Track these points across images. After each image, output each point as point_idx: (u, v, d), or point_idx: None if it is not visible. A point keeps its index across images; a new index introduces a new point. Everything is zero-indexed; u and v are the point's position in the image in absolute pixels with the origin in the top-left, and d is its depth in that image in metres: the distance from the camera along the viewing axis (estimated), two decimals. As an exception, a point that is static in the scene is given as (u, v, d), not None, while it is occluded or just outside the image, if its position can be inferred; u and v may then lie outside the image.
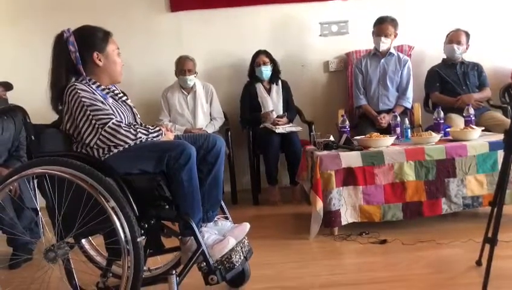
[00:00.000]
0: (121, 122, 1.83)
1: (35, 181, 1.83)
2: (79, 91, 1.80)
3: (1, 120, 2.83)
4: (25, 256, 2.46)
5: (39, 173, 1.74)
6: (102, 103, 1.83)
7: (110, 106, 1.87)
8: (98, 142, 1.79)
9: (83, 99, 1.79)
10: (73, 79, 1.89)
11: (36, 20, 4.07)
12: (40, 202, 1.95)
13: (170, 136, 1.97)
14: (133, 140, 1.80)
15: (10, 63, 4.07)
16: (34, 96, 3.67)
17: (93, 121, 1.78)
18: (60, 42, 1.87)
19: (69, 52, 1.85)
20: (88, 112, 1.78)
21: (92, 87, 1.87)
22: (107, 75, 1.94)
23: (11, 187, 1.84)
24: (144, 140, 1.83)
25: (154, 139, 1.86)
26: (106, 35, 1.95)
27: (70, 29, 1.88)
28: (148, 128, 1.87)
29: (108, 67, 1.94)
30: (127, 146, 1.80)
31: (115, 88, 2.02)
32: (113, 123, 1.78)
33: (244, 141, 3.90)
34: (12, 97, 2.94)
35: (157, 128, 1.90)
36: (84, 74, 1.89)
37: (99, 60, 1.91)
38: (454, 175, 2.71)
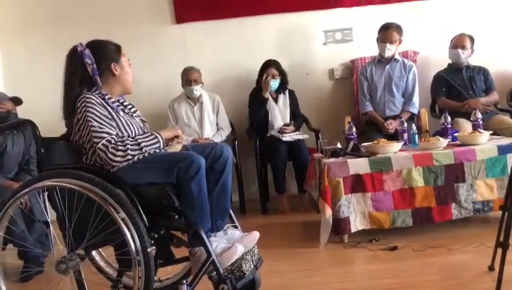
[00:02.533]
0: (111, 141, 1.78)
1: (46, 194, 1.85)
2: (88, 104, 1.82)
3: (11, 134, 2.87)
4: (36, 269, 2.47)
5: (49, 185, 1.76)
6: (108, 117, 1.84)
7: (121, 119, 1.89)
8: (98, 159, 1.82)
9: (89, 113, 1.80)
10: (93, 89, 1.90)
11: (45, 34, 4.13)
12: (50, 215, 1.98)
13: (178, 147, 1.99)
14: (119, 162, 1.78)
15: (20, 76, 4.13)
16: (43, 109, 3.75)
17: (90, 134, 1.80)
18: (75, 56, 1.89)
19: (85, 65, 1.88)
20: (89, 127, 1.80)
21: (104, 99, 1.89)
22: (121, 85, 1.98)
23: (22, 200, 1.86)
24: (137, 157, 1.80)
25: (155, 148, 1.85)
26: (118, 47, 2.00)
27: (83, 43, 1.91)
28: (141, 141, 1.83)
29: (123, 77, 1.98)
30: (120, 165, 1.79)
31: (123, 100, 2.04)
32: (102, 144, 1.77)
33: (251, 150, 3.91)
34: (22, 110, 2.98)
35: (153, 136, 1.86)
36: (101, 84, 1.90)
37: (116, 70, 1.94)
38: (464, 180, 2.70)
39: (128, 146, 1.79)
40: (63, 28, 4.07)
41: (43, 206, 2.19)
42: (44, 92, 4.08)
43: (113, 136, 1.80)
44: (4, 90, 3.71)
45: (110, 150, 1.77)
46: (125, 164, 1.79)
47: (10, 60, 4.18)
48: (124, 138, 1.82)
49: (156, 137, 1.87)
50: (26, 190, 1.78)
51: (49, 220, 2.26)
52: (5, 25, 4.16)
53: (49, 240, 2.64)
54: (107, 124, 1.82)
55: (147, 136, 1.87)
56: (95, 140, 1.78)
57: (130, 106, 2.04)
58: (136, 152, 1.81)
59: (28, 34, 4.16)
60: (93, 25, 3.90)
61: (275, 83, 3.87)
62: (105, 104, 1.87)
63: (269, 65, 3.88)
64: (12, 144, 2.86)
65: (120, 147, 1.78)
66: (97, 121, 1.80)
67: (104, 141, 1.78)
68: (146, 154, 1.84)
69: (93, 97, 1.85)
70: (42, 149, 1.86)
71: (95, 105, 1.84)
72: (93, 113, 1.81)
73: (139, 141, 1.83)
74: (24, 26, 4.18)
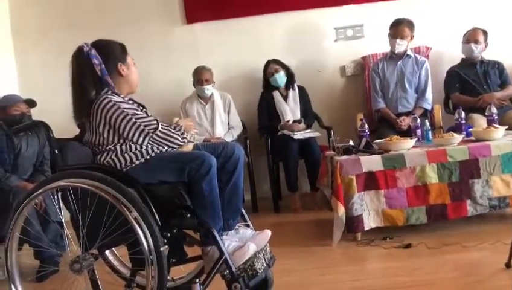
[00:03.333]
0: (167, 125, 1.90)
1: (60, 194, 1.87)
2: (117, 103, 1.84)
3: (26, 136, 2.91)
4: (51, 268, 2.50)
5: (63, 186, 1.77)
6: (138, 109, 1.90)
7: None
8: (110, 159, 1.85)
9: (125, 109, 1.83)
10: (105, 90, 1.88)
11: (57, 40, 4.17)
12: (64, 215, 2.00)
13: (189, 147, 1.99)
14: (181, 140, 1.89)
15: (34, 81, 4.18)
16: (55, 111, 3.79)
17: (142, 127, 1.83)
18: (81, 56, 1.88)
19: (93, 66, 1.87)
20: (133, 120, 1.83)
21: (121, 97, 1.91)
22: (128, 84, 1.98)
23: (37, 201, 1.88)
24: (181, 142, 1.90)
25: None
26: (123, 46, 2.00)
27: (88, 43, 1.91)
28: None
29: (130, 77, 1.99)
30: (177, 147, 1.89)
31: (134, 101, 2.05)
32: (162, 128, 1.86)
33: (262, 149, 3.90)
34: (36, 112, 3.02)
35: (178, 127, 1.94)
36: (113, 84, 1.91)
37: (123, 70, 1.95)
38: (479, 176, 2.66)
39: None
40: (74, 34, 4.05)
41: (57, 206, 2.21)
42: (56, 95, 4.11)
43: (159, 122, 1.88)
44: (19, 93, 3.77)
45: (171, 129, 1.88)
46: (181, 143, 1.90)
47: (25, 65, 4.24)
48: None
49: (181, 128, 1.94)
50: (40, 191, 1.80)
51: (63, 221, 2.28)
52: (21, 33, 4.23)
53: (63, 240, 2.67)
54: (144, 113, 1.89)
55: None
56: (151, 127, 1.84)
57: (141, 107, 2.05)
58: (181, 137, 1.90)
59: (41, 41, 4.22)
60: (103, 29, 3.86)
61: (280, 78, 3.85)
62: (126, 101, 1.89)
63: (268, 63, 3.89)
64: (27, 146, 2.90)
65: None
66: (139, 113, 1.86)
67: (162, 125, 1.86)
68: (153, 154, 1.85)
69: (116, 97, 1.86)
70: (56, 150, 1.88)
71: (123, 103, 1.86)
72: (128, 108, 1.85)
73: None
74: (38, 34, 4.24)
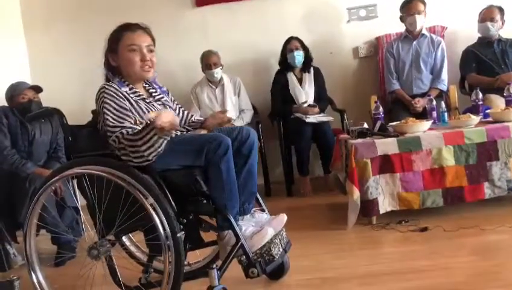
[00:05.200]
0: (123, 133, 1.71)
1: (75, 181, 1.87)
2: (106, 95, 1.80)
3: (39, 123, 2.92)
4: (69, 254, 2.53)
5: (79, 173, 1.78)
6: (126, 108, 1.80)
7: (143, 111, 1.86)
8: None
9: (105, 104, 1.78)
10: (114, 80, 1.89)
11: (67, 25, 4.18)
12: (80, 201, 2.01)
13: (203, 131, 1.97)
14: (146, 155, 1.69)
15: (45, 67, 4.18)
16: (67, 97, 3.81)
17: (107, 127, 1.75)
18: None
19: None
20: (104, 120, 1.77)
21: (124, 90, 1.86)
22: (127, 74, 1.90)
23: (53, 187, 1.89)
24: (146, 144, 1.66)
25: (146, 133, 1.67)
26: (118, 32, 1.90)
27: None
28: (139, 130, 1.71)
29: (123, 66, 1.89)
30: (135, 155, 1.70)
31: (150, 87, 2.02)
32: (116, 136, 1.71)
33: (275, 133, 3.87)
34: (47, 99, 3.02)
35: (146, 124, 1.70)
36: (113, 76, 1.90)
37: (114, 60, 1.90)
38: (497, 158, 2.61)
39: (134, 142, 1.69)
40: (84, 19, 4.11)
41: (72, 192, 2.22)
42: (68, 81, 4.15)
43: (128, 129, 1.73)
44: (31, 80, 3.78)
45: (117, 144, 1.72)
46: (138, 160, 1.70)
47: (36, 51, 4.24)
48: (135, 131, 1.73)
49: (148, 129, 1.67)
50: (56, 178, 1.81)
51: (79, 206, 2.30)
52: (31, 18, 4.22)
53: (79, 226, 2.70)
54: (123, 116, 1.77)
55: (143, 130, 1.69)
56: (108, 133, 1.75)
57: (158, 95, 2.00)
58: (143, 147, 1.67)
59: (51, 26, 4.21)
60: (113, 13, 3.86)
61: (298, 55, 3.79)
62: (124, 94, 1.84)
63: (291, 39, 3.82)
64: (40, 132, 2.91)
65: (126, 142, 1.69)
66: (113, 113, 1.77)
67: (113, 137, 1.72)
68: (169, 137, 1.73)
69: (111, 88, 1.83)
70: (70, 137, 1.88)
71: (113, 96, 1.80)
72: (110, 103, 1.78)
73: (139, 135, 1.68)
74: (48, 19, 4.22)
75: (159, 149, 1.69)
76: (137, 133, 1.68)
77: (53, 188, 1.89)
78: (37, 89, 2.95)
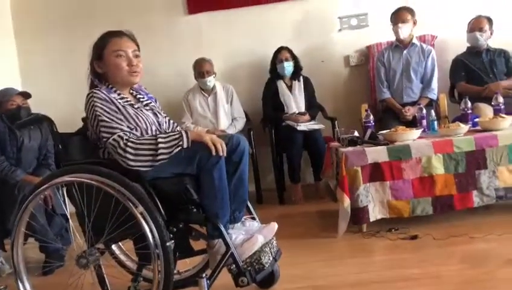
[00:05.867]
0: (123, 137, 1.73)
1: (65, 189, 1.86)
2: (96, 100, 1.80)
3: (28, 129, 2.89)
4: (57, 263, 2.51)
5: (69, 181, 1.77)
6: (117, 112, 1.80)
7: (129, 113, 1.85)
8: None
9: (96, 108, 1.78)
10: (102, 86, 1.89)
11: (61, 32, 4.18)
12: (69, 208, 1.99)
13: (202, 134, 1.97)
14: (130, 159, 1.70)
15: (36, 74, 4.17)
16: (56, 104, 3.79)
17: (101, 134, 1.76)
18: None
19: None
20: (97, 122, 1.77)
21: (112, 96, 1.85)
22: (114, 80, 1.90)
23: (42, 196, 1.87)
24: (150, 159, 1.70)
25: (175, 144, 1.72)
26: (103, 39, 1.89)
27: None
28: (162, 143, 1.72)
29: (110, 72, 1.88)
30: (130, 164, 1.71)
31: (137, 93, 2.02)
32: (113, 139, 1.72)
33: (266, 140, 3.88)
34: (36, 105, 3.01)
35: (177, 136, 1.74)
36: (100, 83, 1.90)
37: (99, 67, 1.90)
38: (485, 166, 2.63)
39: (139, 143, 1.72)
40: (75, 26, 4.12)
41: (61, 200, 2.21)
42: (58, 88, 4.13)
43: (125, 132, 1.75)
44: (21, 86, 3.76)
45: (121, 146, 1.72)
46: (137, 163, 1.71)
47: (26, 57, 4.22)
48: (140, 137, 1.78)
49: (181, 133, 1.75)
50: (45, 186, 1.79)
51: (68, 214, 2.28)
52: (21, 24, 4.21)
53: (68, 234, 2.68)
54: (116, 119, 1.78)
55: (169, 135, 1.75)
56: (105, 135, 1.75)
57: (145, 101, 2.00)
58: (148, 151, 1.71)
59: (42, 32, 4.20)
60: (107, 20, 3.89)
61: (288, 66, 3.82)
62: (112, 100, 1.83)
63: (281, 49, 3.85)
64: (29, 139, 2.88)
65: (129, 146, 1.71)
66: (105, 116, 1.77)
67: (115, 136, 1.74)
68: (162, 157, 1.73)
69: (100, 93, 1.83)
70: (60, 145, 1.87)
71: (104, 101, 1.80)
72: (101, 108, 1.78)
73: (159, 138, 1.73)
74: (39, 25, 4.22)
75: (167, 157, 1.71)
76: (163, 138, 1.72)
77: (42, 196, 1.88)
78: (26, 95, 2.93)
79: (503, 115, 2.89)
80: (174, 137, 1.75)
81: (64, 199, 2.02)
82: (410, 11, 3.68)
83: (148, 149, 1.72)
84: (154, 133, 1.87)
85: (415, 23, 3.70)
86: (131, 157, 1.72)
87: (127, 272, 2.10)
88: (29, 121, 2.69)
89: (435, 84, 3.71)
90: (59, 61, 4.17)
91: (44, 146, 2.96)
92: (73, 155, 1.90)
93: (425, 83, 3.72)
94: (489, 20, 3.66)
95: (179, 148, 1.72)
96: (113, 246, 2.03)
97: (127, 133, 1.76)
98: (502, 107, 3.04)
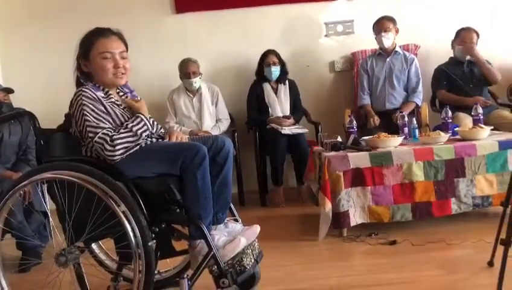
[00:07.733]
0: (108, 134, 1.74)
1: (45, 186, 1.83)
2: (83, 98, 1.79)
3: (8, 124, 2.84)
4: (34, 260, 2.46)
5: (49, 177, 1.74)
6: (104, 112, 1.80)
7: (116, 112, 1.85)
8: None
9: (84, 107, 1.77)
10: (88, 84, 1.87)
11: (43, 25, 4.09)
12: (49, 205, 1.96)
13: (183, 138, 1.96)
14: (119, 154, 1.74)
15: (17, 67, 4.09)
16: (40, 99, 3.73)
17: (87, 133, 1.76)
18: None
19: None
20: (84, 121, 1.77)
21: (99, 94, 1.84)
22: (100, 80, 1.89)
23: (21, 192, 1.84)
24: (134, 145, 1.78)
25: (144, 130, 1.83)
26: (90, 38, 1.87)
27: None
28: (131, 125, 1.81)
29: (96, 73, 1.87)
30: (119, 158, 1.75)
31: (121, 91, 2.00)
32: (99, 137, 1.74)
33: (250, 142, 3.89)
34: (18, 101, 2.95)
35: (137, 118, 1.84)
36: (86, 82, 1.88)
37: (85, 65, 1.88)
38: (464, 175, 2.70)
39: (122, 135, 1.77)
40: (61, 19, 4.04)
41: (41, 196, 2.17)
42: (40, 83, 4.06)
43: (109, 130, 1.76)
44: (3, 81, 3.68)
45: (109, 142, 1.73)
46: (124, 154, 1.76)
47: (8, 51, 4.13)
48: (118, 128, 1.80)
49: (139, 117, 1.84)
50: (25, 182, 1.76)
51: (48, 211, 2.24)
52: (3, 17, 4.11)
53: (47, 231, 2.63)
54: (102, 118, 1.78)
55: (133, 120, 1.83)
56: (91, 134, 1.75)
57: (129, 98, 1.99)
58: (131, 138, 1.78)
59: (25, 26, 4.11)
60: (91, 15, 3.87)
61: (275, 70, 3.84)
62: (99, 98, 1.82)
63: (269, 53, 3.87)
64: (9, 134, 2.83)
65: (116, 140, 1.74)
66: (92, 116, 1.76)
67: (100, 134, 1.74)
68: (143, 144, 1.81)
69: (88, 91, 1.81)
70: (41, 141, 1.84)
71: (91, 99, 1.79)
72: (89, 107, 1.77)
73: (129, 125, 1.80)
74: (21, 19, 4.13)
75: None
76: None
77: (21, 192, 1.84)
78: (8, 91, 2.87)
79: (482, 125, 2.97)
80: (136, 121, 1.84)
81: (44, 196, 1.99)
82: (392, 20, 3.75)
83: (130, 136, 1.78)
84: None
85: (397, 31, 3.77)
86: (121, 149, 1.75)
87: (106, 271, 2.07)
88: (9, 116, 2.64)
89: (420, 88, 3.78)
90: (41, 56, 4.08)
91: (24, 141, 2.91)
92: (55, 151, 1.88)
93: (411, 88, 3.79)
94: (478, 34, 3.71)
95: (143, 123, 1.83)
96: (93, 245, 2.01)
97: (111, 131, 1.77)
98: (481, 117, 3.12)
